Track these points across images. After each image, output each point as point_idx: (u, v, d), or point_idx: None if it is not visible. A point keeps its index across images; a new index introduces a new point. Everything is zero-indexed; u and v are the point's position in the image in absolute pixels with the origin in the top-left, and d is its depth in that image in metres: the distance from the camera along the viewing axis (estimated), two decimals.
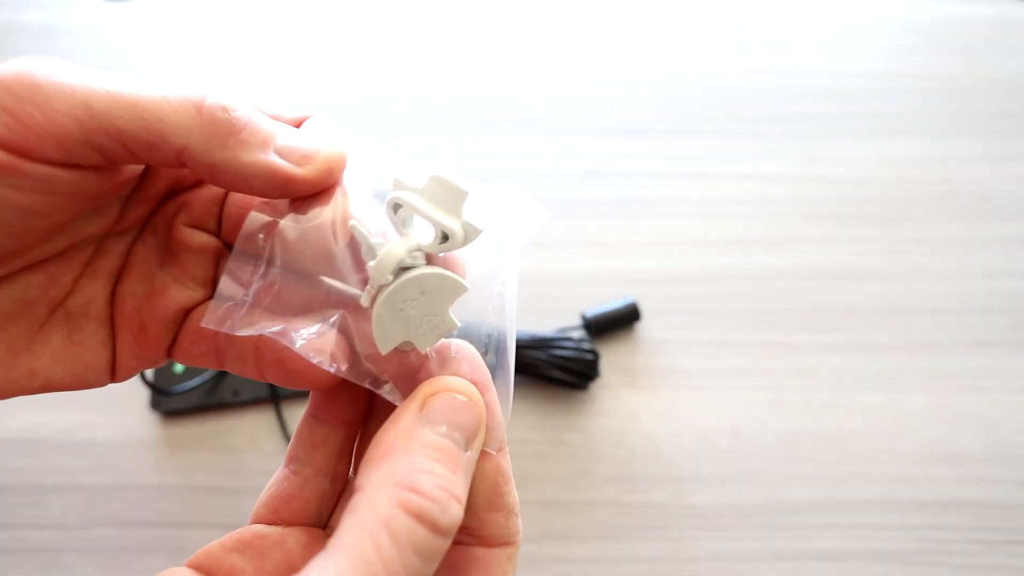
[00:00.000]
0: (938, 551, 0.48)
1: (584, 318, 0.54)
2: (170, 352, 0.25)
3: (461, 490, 0.20)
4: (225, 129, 0.20)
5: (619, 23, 0.70)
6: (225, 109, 0.20)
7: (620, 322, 0.54)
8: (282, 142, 0.21)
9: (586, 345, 0.51)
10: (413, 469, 0.19)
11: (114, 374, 0.24)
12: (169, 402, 0.51)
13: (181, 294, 0.24)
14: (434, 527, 0.19)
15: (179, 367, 0.52)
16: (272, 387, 0.51)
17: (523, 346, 0.51)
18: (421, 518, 0.19)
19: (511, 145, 0.63)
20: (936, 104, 0.65)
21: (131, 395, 0.51)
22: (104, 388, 0.52)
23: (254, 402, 0.51)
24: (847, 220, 0.59)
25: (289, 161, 0.21)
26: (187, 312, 0.24)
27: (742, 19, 0.70)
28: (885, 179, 0.61)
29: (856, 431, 0.51)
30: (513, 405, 0.24)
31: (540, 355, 0.51)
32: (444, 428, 0.20)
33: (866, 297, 0.56)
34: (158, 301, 0.24)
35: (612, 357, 0.54)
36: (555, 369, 0.51)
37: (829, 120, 0.64)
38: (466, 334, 0.23)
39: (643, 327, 0.55)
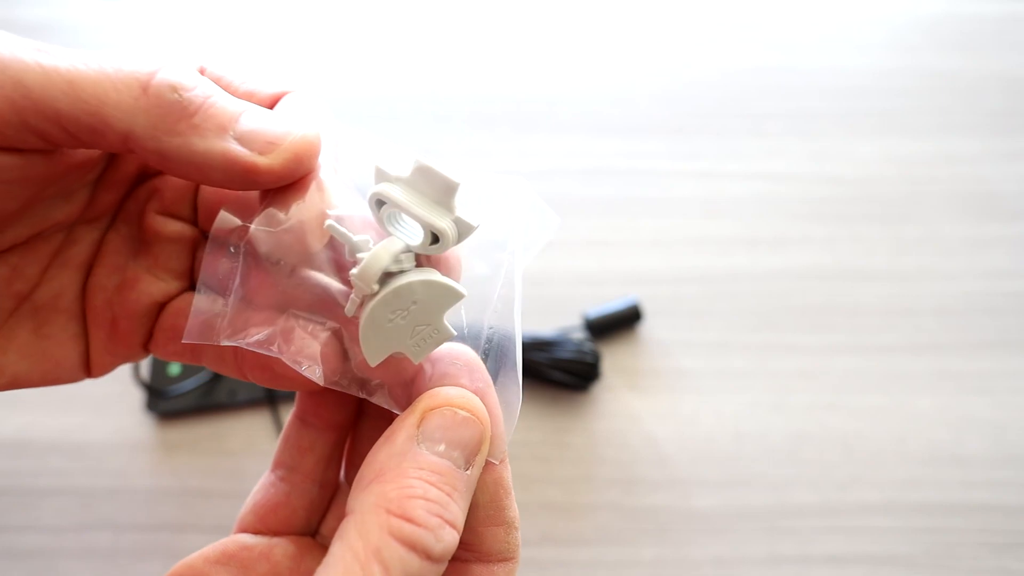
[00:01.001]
0: (944, 554, 0.47)
1: (585, 319, 0.53)
2: (147, 347, 0.23)
3: (456, 515, 0.19)
4: (175, 112, 0.18)
5: (620, 19, 0.69)
6: (175, 88, 0.18)
7: (622, 323, 0.53)
8: (244, 126, 0.19)
9: (587, 346, 0.51)
10: (406, 494, 0.18)
11: (89, 370, 0.23)
12: (165, 404, 0.50)
13: (153, 287, 0.23)
14: (427, 555, 0.18)
15: (175, 368, 0.51)
16: (269, 388, 0.51)
17: (524, 347, 0.50)
18: (413, 546, 0.18)
19: (511, 143, 0.62)
20: (942, 102, 0.64)
21: (126, 397, 0.51)
22: (99, 390, 0.52)
23: (251, 404, 0.51)
24: (852, 219, 0.58)
25: (251, 149, 0.19)
26: (161, 306, 0.23)
27: (745, 15, 0.69)
28: (890, 177, 0.60)
29: (861, 433, 0.51)
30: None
31: (541, 356, 0.50)
32: (443, 447, 0.19)
33: (871, 297, 0.55)
34: (128, 295, 0.22)
35: (614, 358, 0.53)
36: (556, 370, 0.50)
37: (833, 118, 0.63)
38: (464, 338, 0.22)
39: (645, 328, 0.54)
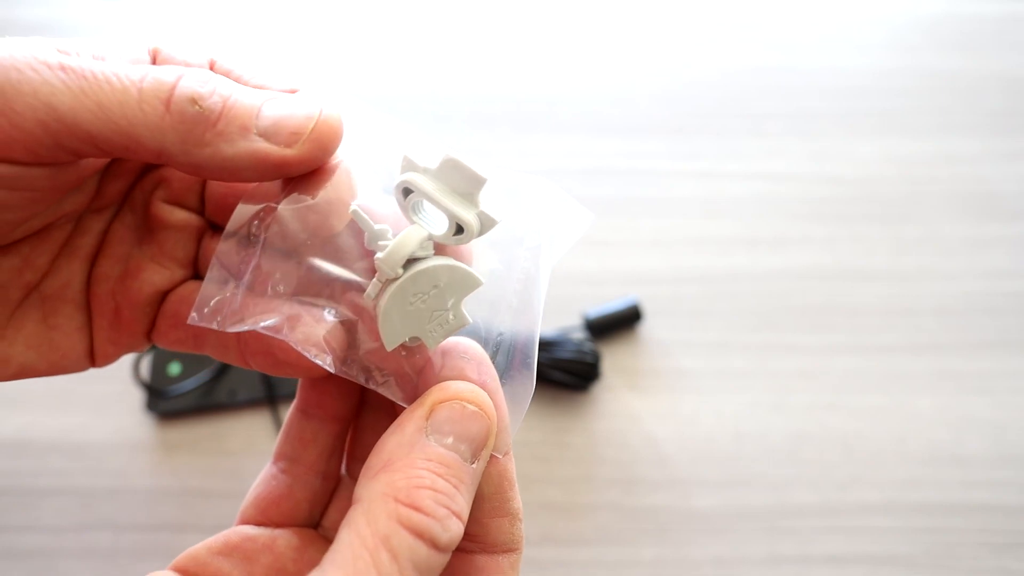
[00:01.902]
0: (943, 554, 0.47)
1: (585, 319, 0.53)
2: (150, 336, 0.23)
3: (463, 506, 0.19)
4: (199, 124, 0.18)
5: (620, 19, 0.69)
6: (194, 100, 0.18)
7: (622, 323, 0.53)
8: (265, 120, 0.19)
9: (587, 346, 0.51)
10: (414, 484, 0.19)
11: (93, 360, 0.23)
12: (165, 404, 0.50)
13: (157, 275, 0.23)
14: (434, 544, 0.18)
15: (175, 368, 0.51)
16: (269, 388, 0.51)
17: None
18: (421, 535, 0.18)
19: (511, 143, 0.62)
20: (942, 102, 0.64)
21: (126, 397, 0.51)
22: (99, 390, 0.52)
23: (251, 404, 0.51)
24: (851, 219, 0.58)
25: (276, 142, 0.19)
26: (164, 294, 0.23)
27: (745, 15, 0.69)
28: (890, 177, 0.60)
29: (861, 433, 0.51)
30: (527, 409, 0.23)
31: (541, 356, 0.50)
32: (451, 440, 0.20)
33: (871, 297, 0.55)
34: (131, 284, 0.23)
35: (614, 358, 0.53)
36: (556, 370, 0.50)
37: (833, 118, 0.63)
38: (475, 333, 0.22)
39: (645, 328, 0.54)
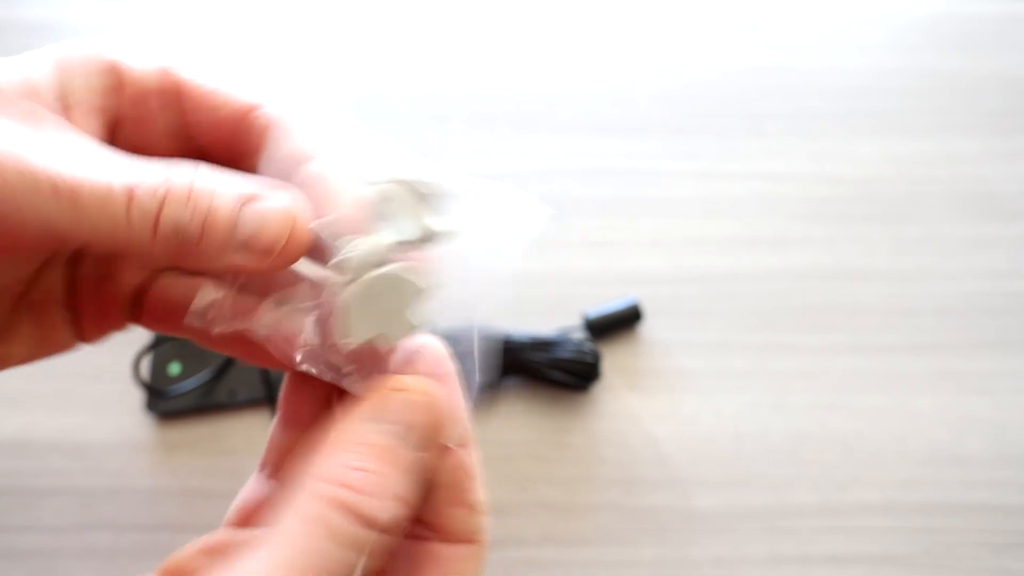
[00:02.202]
0: (944, 554, 0.47)
1: (585, 319, 0.53)
2: (139, 321, 0.25)
3: (400, 489, 0.20)
4: (183, 246, 0.20)
5: (620, 19, 0.69)
6: (177, 226, 0.20)
7: (622, 323, 0.53)
8: (242, 234, 0.20)
9: (587, 346, 0.51)
10: (344, 464, 0.19)
11: (85, 340, 0.25)
12: (165, 404, 0.50)
13: (134, 277, 0.24)
14: (360, 519, 0.19)
15: (175, 368, 0.51)
16: (269, 388, 0.51)
17: (523, 347, 0.51)
18: (348, 511, 0.19)
19: (510, 143, 0.62)
20: (942, 102, 0.64)
21: (126, 397, 0.51)
22: (99, 390, 0.52)
23: (250, 404, 0.51)
24: (852, 219, 0.58)
25: (251, 255, 0.20)
26: (144, 289, 0.24)
27: (745, 15, 0.69)
28: (890, 178, 0.60)
29: (861, 433, 0.51)
30: (496, 406, 0.24)
31: (540, 356, 0.50)
32: (393, 427, 0.20)
33: (871, 297, 0.55)
34: (108, 286, 0.24)
35: (613, 358, 0.53)
36: (556, 370, 0.50)
37: (833, 118, 0.63)
38: (432, 331, 0.23)
39: (645, 328, 0.54)
